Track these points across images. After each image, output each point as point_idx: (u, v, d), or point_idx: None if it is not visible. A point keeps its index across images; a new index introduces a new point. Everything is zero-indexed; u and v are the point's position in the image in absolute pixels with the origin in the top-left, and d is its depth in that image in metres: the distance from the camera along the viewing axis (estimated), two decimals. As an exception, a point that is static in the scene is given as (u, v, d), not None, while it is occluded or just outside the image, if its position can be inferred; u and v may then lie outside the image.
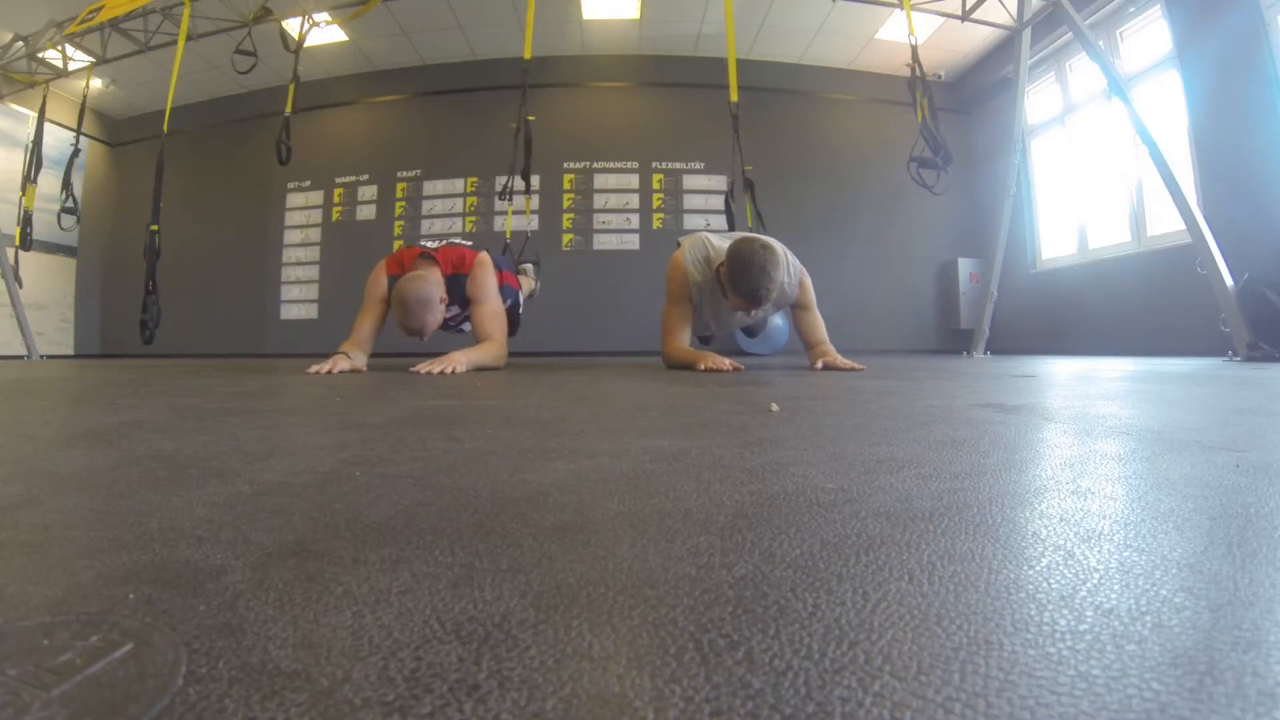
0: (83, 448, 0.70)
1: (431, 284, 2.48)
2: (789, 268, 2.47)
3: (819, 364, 2.42)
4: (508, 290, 3.02)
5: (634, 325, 6.26)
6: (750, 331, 3.68)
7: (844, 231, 6.59)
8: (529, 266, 3.89)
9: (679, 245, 2.63)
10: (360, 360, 2.46)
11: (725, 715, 0.19)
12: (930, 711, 0.19)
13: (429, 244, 2.74)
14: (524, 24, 4.01)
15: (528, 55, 3.96)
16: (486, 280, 2.69)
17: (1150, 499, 0.45)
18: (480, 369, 2.46)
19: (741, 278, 2.23)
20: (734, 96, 3.75)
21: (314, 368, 2.28)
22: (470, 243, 2.89)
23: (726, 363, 2.25)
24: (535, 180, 4.03)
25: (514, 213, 4.47)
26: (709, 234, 2.65)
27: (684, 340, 2.57)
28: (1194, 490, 0.48)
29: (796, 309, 2.60)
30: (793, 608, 0.27)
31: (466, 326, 2.87)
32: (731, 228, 3.72)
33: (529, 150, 3.81)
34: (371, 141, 6.92)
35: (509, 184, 3.94)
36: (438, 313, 2.52)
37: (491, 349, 2.56)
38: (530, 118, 3.78)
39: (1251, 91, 3.91)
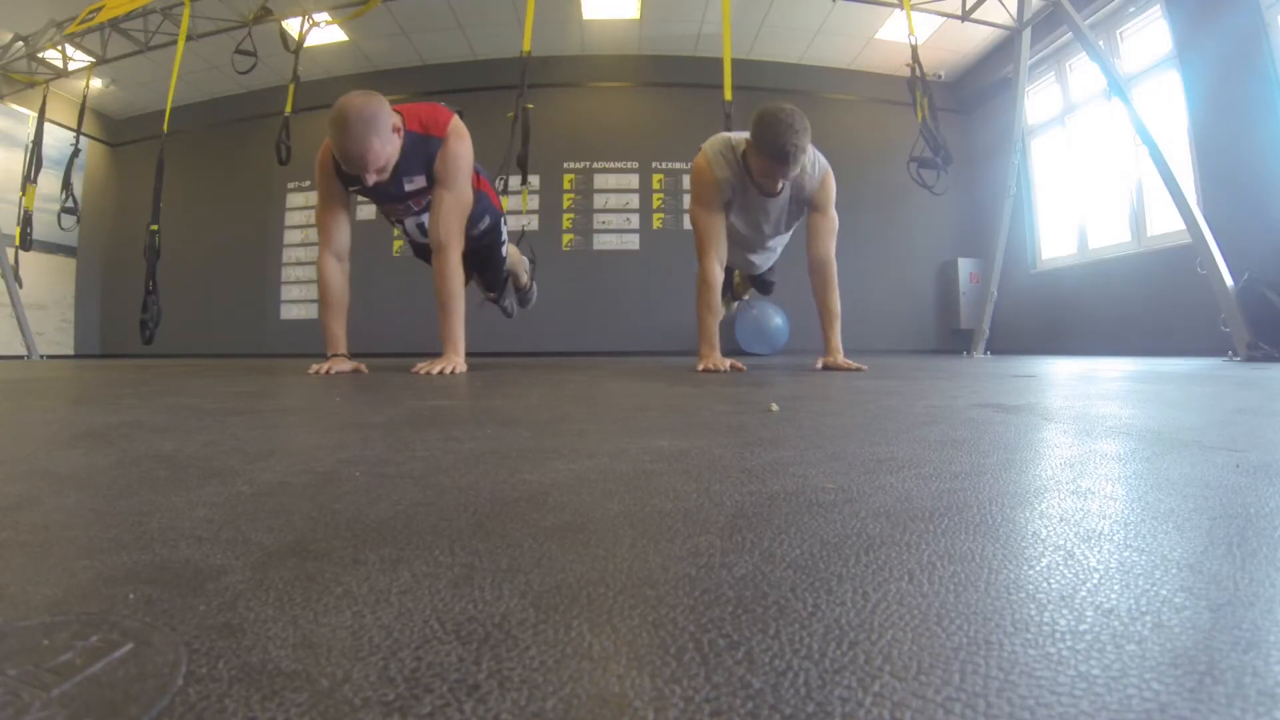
0: (83, 448, 0.70)
1: (382, 104, 2.01)
2: (815, 156, 2.34)
3: (819, 364, 2.42)
4: (487, 204, 2.47)
5: (634, 325, 6.26)
6: (762, 283, 3.31)
7: (844, 231, 6.48)
8: (524, 259, 3.71)
9: (700, 150, 2.43)
10: (345, 351, 2.32)
11: (725, 715, 0.19)
12: (930, 711, 0.19)
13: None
14: (524, 24, 4.00)
15: (526, 47, 3.93)
16: (460, 155, 2.18)
17: (1150, 499, 0.45)
18: (462, 324, 2.19)
19: (768, 136, 2.07)
20: (728, 95, 3.75)
21: (314, 368, 2.27)
22: (445, 103, 2.34)
23: (726, 363, 2.25)
24: (535, 180, 4.01)
25: (511, 212, 4.43)
26: (728, 131, 2.51)
27: (721, 256, 2.37)
28: (1194, 490, 0.47)
29: (813, 211, 2.45)
30: (793, 608, 0.27)
31: (427, 220, 2.35)
32: None
33: (527, 138, 3.69)
34: (371, 141, 6.91)
35: (505, 174, 3.81)
36: (388, 142, 2.02)
37: (448, 275, 2.13)
38: (529, 105, 3.72)
39: (1251, 91, 3.91)
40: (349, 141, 1.95)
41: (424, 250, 2.57)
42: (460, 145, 2.18)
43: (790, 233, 2.75)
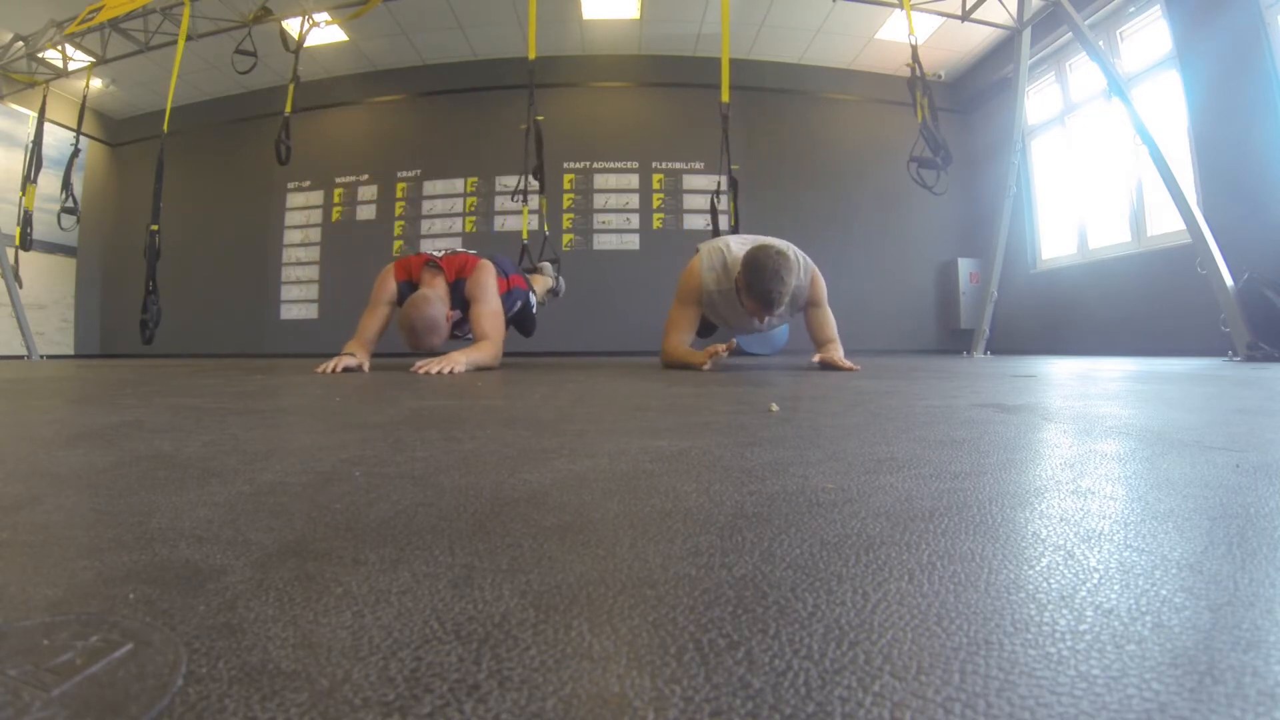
0: (83, 448, 0.70)
1: (436, 304, 2.52)
2: (801, 269, 2.52)
3: (816, 358, 2.45)
4: (518, 293, 3.04)
5: (634, 325, 6.26)
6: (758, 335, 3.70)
7: (844, 232, 6.59)
8: (547, 265, 3.92)
9: (697, 251, 2.68)
10: (364, 359, 2.50)
11: (725, 715, 0.19)
12: (930, 711, 0.19)
13: (436, 252, 2.79)
14: (524, 23, 4.02)
15: (532, 55, 3.96)
16: (486, 282, 2.73)
17: (1150, 499, 0.45)
18: (478, 369, 2.48)
19: (755, 283, 2.30)
20: (725, 97, 3.75)
21: (319, 367, 2.35)
22: (475, 250, 2.91)
23: (720, 347, 2.31)
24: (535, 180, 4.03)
25: (530, 212, 4.47)
26: (728, 239, 2.69)
27: (684, 342, 2.61)
28: (1194, 490, 0.47)
29: (808, 306, 2.64)
30: (793, 608, 0.27)
31: (470, 332, 2.89)
32: (715, 228, 3.75)
33: (540, 149, 3.82)
34: (371, 141, 6.92)
35: (523, 185, 3.94)
36: (443, 331, 2.57)
37: (488, 349, 2.59)
38: (540, 117, 3.79)
39: (1251, 91, 3.91)
40: (418, 344, 2.50)
41: None
42: (483, 274, 2.73)
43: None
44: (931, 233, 6.67)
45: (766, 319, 2.47)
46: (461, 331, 2.86)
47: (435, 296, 2.55)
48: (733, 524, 0.40)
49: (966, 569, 0.32)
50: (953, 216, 6.55)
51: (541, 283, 3.66)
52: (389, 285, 2.67)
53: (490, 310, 2.72)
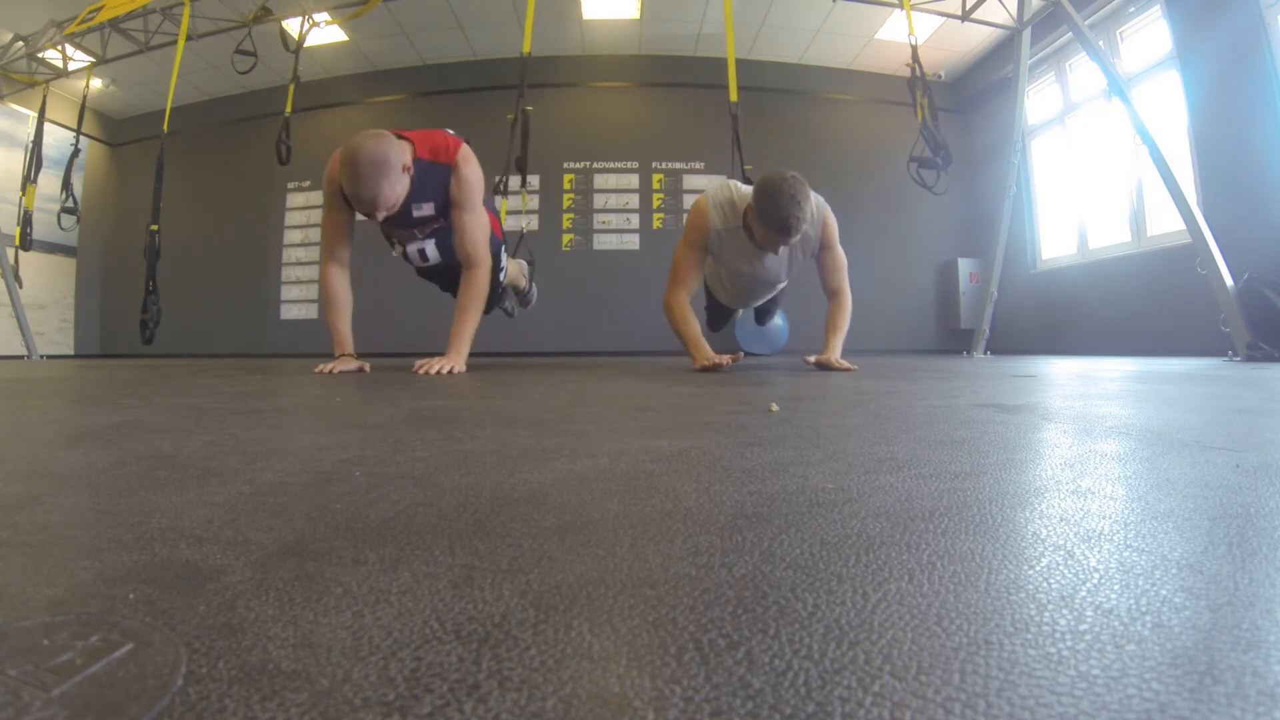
0: (83, 448, 0.70)
1: (392, 144, 2.01)
2: (813, 202, 2.38)
3: (812, 359, 2.42)
4: (489, 231, 2.55)
5: (634, 325, 6.26)
6: (761, 317, 3.58)
7: (844, 232, 6.51)
8: (523, 263, 3.75)
9: (704, 192, 2.51)
10: (351, 352, 2.35)
11: (725, 715, 0.19)
12: (930, 711, 0.19)
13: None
14: (524, 23, 4.00)
15: (526, 49, 3.93)
16: (475, 181, 2.22)
17: (1150, 499, 0.45)
18: (474, 331, 2.25)
19: (770, 208, 2.13)
20: (734, 96, 3.75)
21: (320, 367, 2.28)
22: (452, 130, 2.36)
23: (725, 358, 2.24)
24: (535, 180, 3.98)
25: (510, 212, 4.43)
26: (735, 181, 2.55)
27: (691, 290, 2.47)
28: (1194, 490, 0.47)
29: (821, 249, 2.51)
30: (793, 608, 0.27)
31: (430, 248, 2.36)
32: None
33: (526, 141, 3.70)
34: (371, 141, 6.91)
35: (504, 178, 3.80)
36: (398, 183, 2.03)
37: (478, 283, 2.20)
38: (528, 108, 3.71)
39: (1251, 91, 3.91)
40: (359, 186, 1.96)
41: (426, 272, 2.63)
42: (472, 171, 2.22)
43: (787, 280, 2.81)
44: (931, 233, 6.67)
45: (782, 249, 2.29)
46: (425, 228, 2.32)
47: (394, 139, 2.03)
48: (733, 524, 0.40)
49: (966, 569, 0.32)
50: (953, 216, 6.55)
51: (514, 269, 3.18)
52: (337, 174, 2.11)
53: (480, 220, 2.24)
